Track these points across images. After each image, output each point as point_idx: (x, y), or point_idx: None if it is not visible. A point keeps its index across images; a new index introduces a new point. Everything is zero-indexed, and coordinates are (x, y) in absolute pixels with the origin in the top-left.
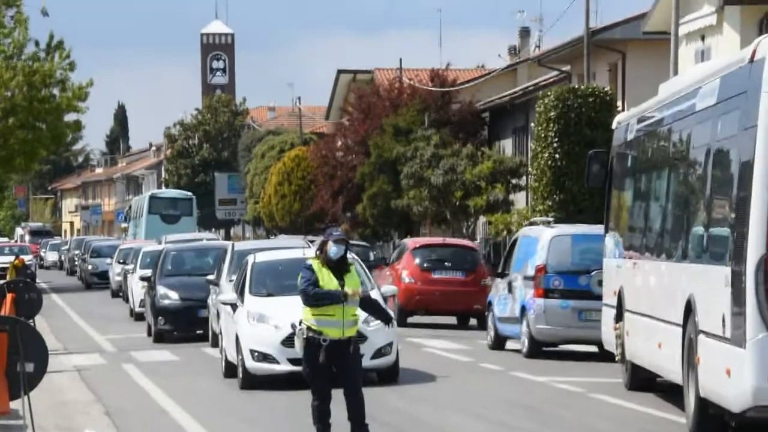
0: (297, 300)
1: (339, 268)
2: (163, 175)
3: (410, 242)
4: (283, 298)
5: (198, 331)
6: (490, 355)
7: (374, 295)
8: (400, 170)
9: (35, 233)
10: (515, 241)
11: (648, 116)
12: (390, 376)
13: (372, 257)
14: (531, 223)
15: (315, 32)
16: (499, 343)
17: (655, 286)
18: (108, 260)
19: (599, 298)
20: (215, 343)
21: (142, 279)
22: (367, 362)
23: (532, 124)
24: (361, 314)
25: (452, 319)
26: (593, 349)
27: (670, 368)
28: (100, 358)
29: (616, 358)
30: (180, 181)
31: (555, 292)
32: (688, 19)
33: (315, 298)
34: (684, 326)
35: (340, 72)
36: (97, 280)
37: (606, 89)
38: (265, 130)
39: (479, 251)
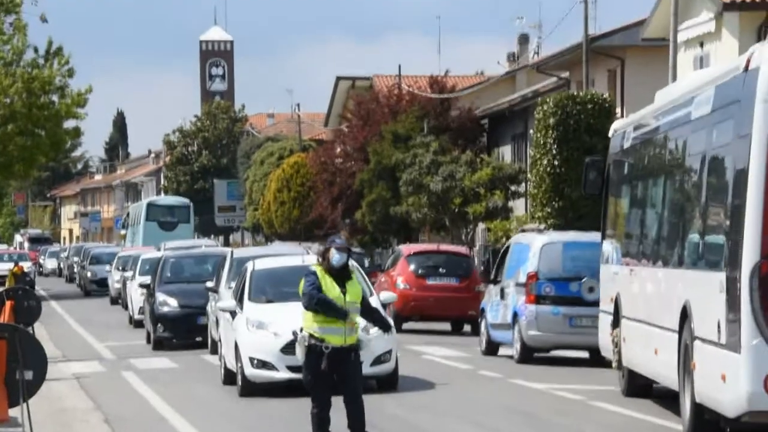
0: (296, 307)
1: (341, 275)
2: (162, 182)
3: (405, 249)
4: (283, 305)
5: (197, 339)
6: (488, 362)
7: (373, 302)
8: (399, 177)
9: (34, 240)
10: (507, 248)
11: (644, 124)
12: (389, 383)
13: (367, 264)
14: (523, 231)
15: (314, 39)
16: (491, 349)
17: (651, 292)
18: (107, 267)
19: (590, 304)
20: (214, 351)
21: (142, 286)
22: (366, 369)
23: (531, 131)
24: (361, 322)
25: (446, 325)
26: (584, 354)
27: (667, 374)
28: (99, 366)
29: (613, 365)
30: (179, 187)
31: (546, 298)
32: (686, 25)
33: (319, 303)
34: (680, 332)
35: (339, 78)
36: (96, 288)
37: (605, 96)
38: (264, 136)
39: (472, 258)
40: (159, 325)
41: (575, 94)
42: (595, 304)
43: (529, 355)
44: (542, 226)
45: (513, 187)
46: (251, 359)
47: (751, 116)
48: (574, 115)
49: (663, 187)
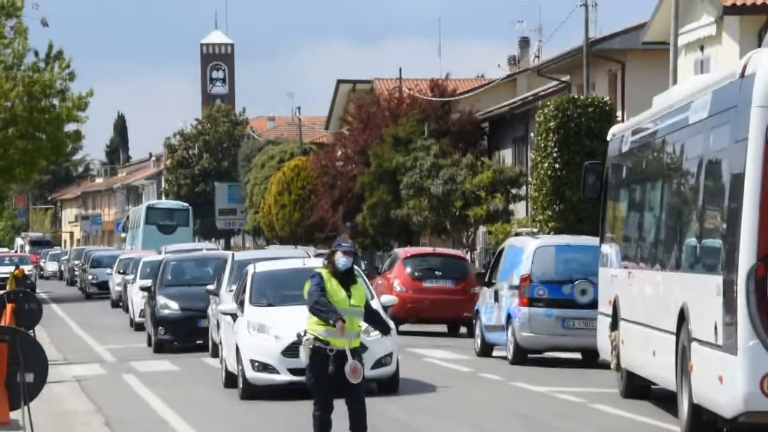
0: (297, 310)
1: (346, 279)
2: (163, 185)
3: (401, 252)
4: (284, 308)
5: (198, 341)
6: (489, 365)
7: (374, 305)
8: (400, 180)
9: (35, 243)
10: (501, 251)
11: (642, 128)
12: (390, 386)
13: (363, 266)
14: (517, 234)
15: (314, 42)
16: (485, 350)
17: (649, 295)
18: (108, 270)
19: (582, 307)
20: (215, 353)
21: (142, 289)
22: (367, 372)
23: (532, 134)
24: (362, 324)
25: (443, 327)
26: (577, 356)
27: (665, 376)
28: (100, 369)
29: (612, 367)
30: (180, 191)
31: (539, 301)
32: (687, 29)
33: (319, 305)
34: (677, 334)
35: (339, 82)
36: (97, 291)
37: (605, 99)
38: (264, 139)
39: (468, 261)
40: (160, 327)
41: (576, 97)
42: (588, 306)
43: (522, 356)
44: (536, 230)
45: (514, 191)
46: (252, 362)
47: (748, 121)
48: (575, 118)
49: (660, 191)
